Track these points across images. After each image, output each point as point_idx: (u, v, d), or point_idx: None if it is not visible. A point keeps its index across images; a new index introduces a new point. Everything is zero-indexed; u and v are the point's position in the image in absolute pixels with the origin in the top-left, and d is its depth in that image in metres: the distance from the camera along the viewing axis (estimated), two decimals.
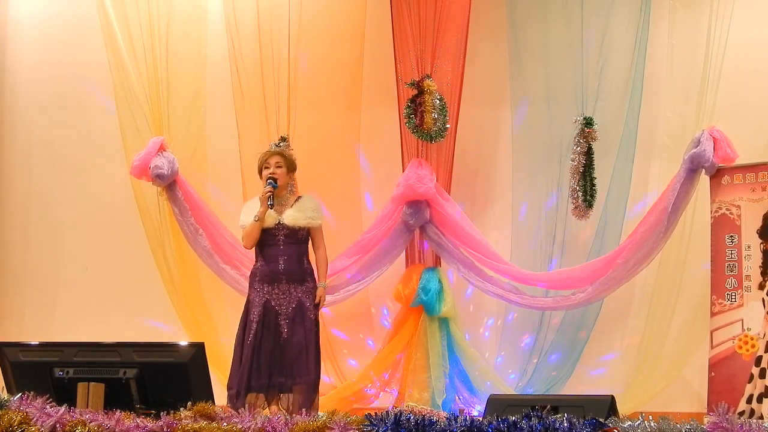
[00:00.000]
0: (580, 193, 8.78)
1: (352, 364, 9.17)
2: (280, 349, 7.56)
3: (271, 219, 7.67)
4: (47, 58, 9.75)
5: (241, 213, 7.91)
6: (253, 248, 7.80)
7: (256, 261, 7.79)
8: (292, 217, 7.69)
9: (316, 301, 7.67)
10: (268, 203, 7.60)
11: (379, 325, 9.27)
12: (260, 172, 7.88)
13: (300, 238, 7.70)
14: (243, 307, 7.80)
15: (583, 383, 8.82)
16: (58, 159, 9.68)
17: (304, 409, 6.62)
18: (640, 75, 8.93)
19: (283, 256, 7.64)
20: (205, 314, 9.21)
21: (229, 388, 7.58)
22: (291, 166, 7.87)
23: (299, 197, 7.85)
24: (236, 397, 7.44)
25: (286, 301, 7.61)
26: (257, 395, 7.53)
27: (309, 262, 7.79)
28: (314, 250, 7.85)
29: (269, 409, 7.41)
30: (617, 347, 9.04)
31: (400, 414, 4.69)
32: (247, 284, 8.86)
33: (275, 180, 7.71)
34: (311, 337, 7.62)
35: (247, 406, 7.16)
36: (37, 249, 9.65)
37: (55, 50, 9.74)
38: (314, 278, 7.76)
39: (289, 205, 7.78)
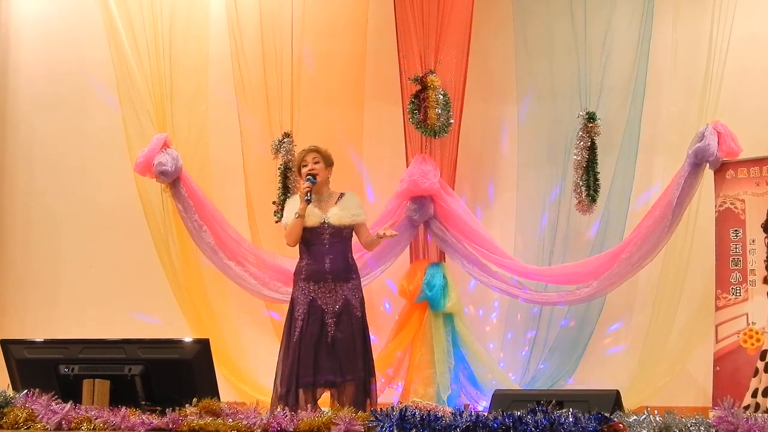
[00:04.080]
0: (584, 188, 8.77)
1: None
2: (327, 347, 7.47)
3: (316, 218, 7.56)
4: (50, 56, 9.77)
5: (284, 210, 7.84)
6: (296, 245, 7.71)
7: (301, 259, 7.66)
8: (337, 215, 7.59)
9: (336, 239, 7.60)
10: (306, 199, 7.51)
11: (382, 320, 9.26)
12: (299, 170, 7.76)
13: (345, 236, 7.61)
14: (288, 306, 7.70)
15: (588, 378, 8.81)
16: (61, 156, 9.69)
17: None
18: (644, 70, 8.92)
19: (329, 255, 7.54)
20: (209, 311, 9.22)
21: (277, 385, 7.51)
22: (328, 161, 7.73)
23: (342, 194, 7.72)
24: (286, 395, 7.38)
25: (332, 300, 7.52)
26: (302, 392, 7.47)
27: (353, 259, 7.71)
28: (361, 243, 7.78)
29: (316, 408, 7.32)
30: (621, 342, 9.04)
31: (406, 410, 4.70)
32: (251, 281, 8.91)
33: (314, 176, 7.61)
34: (358, 335, 7.53)
35: (297, 404, 7.22)
36: (40, 246, 9.67)
37: (57, 48, 9.75)
38: (358, 274, 7.70)
39: (333, 203, 7.66)
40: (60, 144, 9.70)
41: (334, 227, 7.57)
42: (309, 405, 7.18)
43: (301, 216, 7.53)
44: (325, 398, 7.58)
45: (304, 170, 7.66)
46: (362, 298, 7.66)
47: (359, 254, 8.59)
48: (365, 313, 7.67)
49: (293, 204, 7.65)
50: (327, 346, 7.47)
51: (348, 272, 7.61)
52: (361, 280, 8.01)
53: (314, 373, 7.42)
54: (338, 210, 7.62)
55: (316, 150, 7.73)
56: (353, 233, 7.70)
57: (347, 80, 9.29)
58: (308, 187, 7.56)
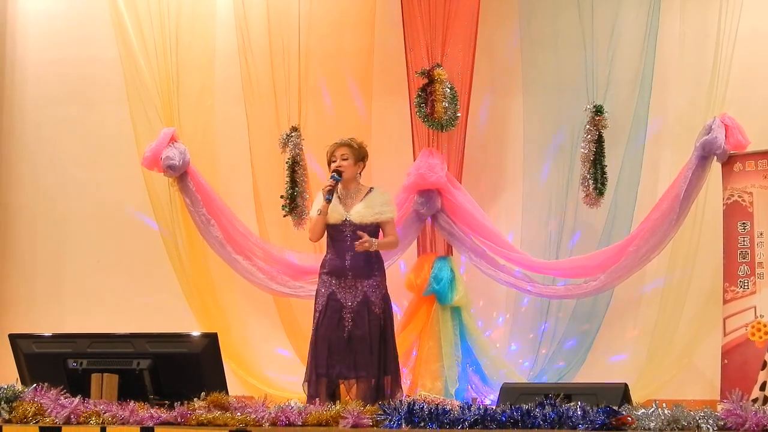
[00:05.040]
0: (591, 181, 8.76)
1: None
2: (344, 342, 7.45)
3: (338, 215, 7.52)
4: (57, 53, 9.77)
5: (313, 203, 7.82)
6: (319, 241, 7.72)
7: (327, 252, 7.66)
8: (359, 214, 7.54)
9: (361, 238, 7.45)
10: (326, 198, 7.47)
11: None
12: (329, 164, 7.71)
13: (368, 233, 7.51)
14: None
15: (596, 371, 8.78)
16: (68, 151, 9.70)
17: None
18: (651, 63, 8.89)
19: (350, 252, 7.49)
20: (217, 305, 9.23)
21: (306, 377, 7.53)
22: (359, 156, 7.67)
23: (370, 190, 7.67)
24: (309, 386, 7.42)
25: (351, 295, 7.49)
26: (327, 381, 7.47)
27: (379, 256, 7.66)
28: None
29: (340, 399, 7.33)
30: (629, 335, 9.03)
31: (414, 403, 4.70)
32: (259, 275, 8.93)
33: (339, 173, 7.57)
34: (375, 333, 7.48)
35: (320, 394, 7.24)
36: (47, 241, 9.68)
37: (64, 44, 9.76)
38: (381, 272, 7.64)
39: (359, 199, 7.61)
40: (68, 139, 9.70)
41: (356, 225, 7.53)
42: (326, 397, 7.23)
43: (322, 213, 7.51)
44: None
45: (332, 166, 7.63)
46: (385, 295, 7.61)
47: None
48: (388, 311, 7.63)
49: (319, 199, 7.63)
50: (343, 340, 7.46)
51: (370, 269, 7.57)
52: None
53: (327, 365, 7.42)
54: (362, 207, 7.57)
55: (347, 144, 7.67)
56: (380, 230, 7.65)
57: (355, 74, 9.28)
58: (331, 185, 7.53)
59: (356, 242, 7.43)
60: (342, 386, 7.56)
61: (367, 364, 7.43)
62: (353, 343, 7.44)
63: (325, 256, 7.68)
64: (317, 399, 6.52)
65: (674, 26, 8.93)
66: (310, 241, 7.98)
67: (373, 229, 7.61)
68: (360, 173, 7.75)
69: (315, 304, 7.63)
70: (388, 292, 7.66)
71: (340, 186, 7.62)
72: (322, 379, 7.43)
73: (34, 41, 9.82)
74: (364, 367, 7.43)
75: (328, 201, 7.48)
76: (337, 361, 7.42)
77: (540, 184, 9.24)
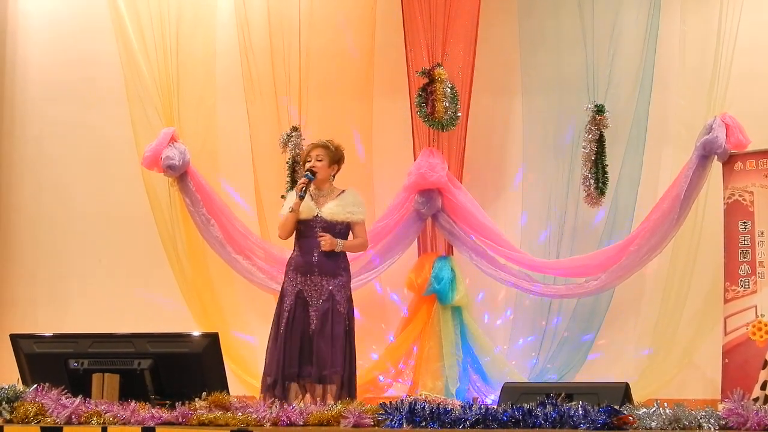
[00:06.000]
0: (592, 181, 8.76)
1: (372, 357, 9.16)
2: (309, 340, 7.49)
3: (309, 211, 7.57)
4: (57, 51, 9.75)
5: (284, 202, 7.86)
6: (288, 238, 7.73)
7: (294, 250, 7.70)
8: (330, 210, 7.59)
9: (320, 239, 7.51)
10: (299, 195, 7.53)
11: (392, 312, 9.26)
12: (304, 163, 7.80)
13: (337, 232, 7.58)
14: (278, 297, 7.75)
15: (597, 371, 8.80)
16: (68, 151, 9.68)
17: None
18: (651, 62, 8.90)
19: (318, 249, 7.54)
20: (216, 305, 9.22)
21: (265, 376, 7.55)
22: (334, 158, 7.71)
23: (343, 191, 7.72)
24: (273, 386, 7.43)
25: (317, 293, 7.53)
26: (291, 384, 7.50)
27: (345, 257, 7.69)
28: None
29: (303, 399, 7.36)
30: (630, 335, 9.02)
31: (415, 403, 4.69)
32: (259, 275, 8.93)
33: (313, 173, 7.62)
34: (340, 331, 7.51)
35: (286, 395, 7.30)
36: (48, 241, 9.66)
37: (64, 42, 9.73)
38: (347, 273, 7.68)
39: (332, 198, 7.67)
40: (67, 139, 9.68)
41: (326, 222, 7.58)
42: (299, 397, 7.27)
43: (294, 210, 7.55)
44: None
45: (307, 165, 7.68)
46: (349, 296, 7.65)
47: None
48: (352, 310, 7.66)
49: (291, 197, 7.68)
50: (308, 339, 7.50)
51: (336, 268, 7.61)
52: (369, 273, 8.01)
53: (299, 365, 7.45)
54: (334, 205, 7.62)
55: (323, 146, 7.73)
56: (350, 231, 7.68)
57: (355, 73, 9.28)
58: (303, 183, 7.59)
59: (321, 239, 7.48)
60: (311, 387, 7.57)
61: (334, 363, 7.45)
62: (316, 342, 7.47)
63: (292, 254, 7.71)
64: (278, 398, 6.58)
65: (675, 25, 8.94)
66: (279, 239, 7.96)
67: (344, 229, 7.65)
68: (334, 176, 7.78)
69: (281, 303, 7.62)
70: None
71: (313, 186, 7.66)
72: (291, 379, 7.46)
73: (34, 41, 9.81)
74: (327, 366, 7.45)
75: (301, 198, 7.53)
76: (306, 361, 7.46)
77: (540, 183, 9.24)
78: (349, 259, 7.79)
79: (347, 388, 7.47)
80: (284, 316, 7.56)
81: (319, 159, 7.68)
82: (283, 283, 7.69)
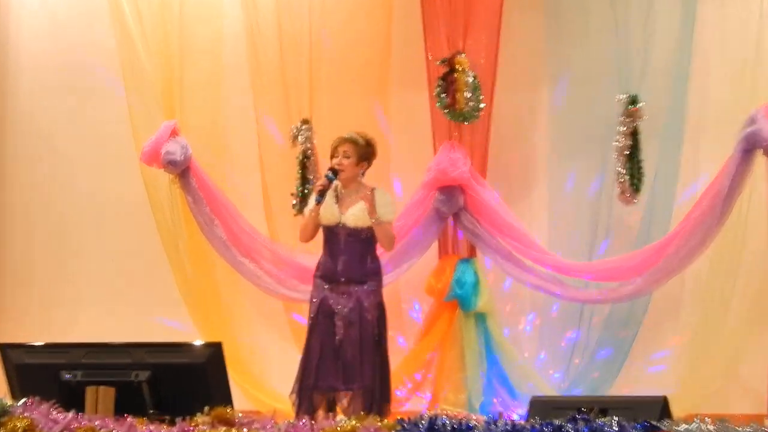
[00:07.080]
0: (627, 177, 8.73)
1: None
2: (334, 350, 7.45)
3: (333, 217, 7.48)
4: (52, 41, 9.76)
5: (309, 201, 7.80)
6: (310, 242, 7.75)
7: (322, 254, 7.66)
8: (353, 217, 7.48)
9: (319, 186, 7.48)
10: (316, 199, 7.46)
11: (409, 321, 9.23)
12: (331, 160, 7.63)
13: (363, 237, 7.51)
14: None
15: (633, 383, 8.79)
16: (63, 147, 9.70)
17: None
18: (688, 50, 8.86)
19: (343, 256, 7.49)
20: (221, 312, 9.22)
21: (294, 387, 7.54)
22: (364, 155, 7.57)
23: (372, 190, 7.57)
24: (298, 398, 7.44)
25: (343, 301, 7.48)
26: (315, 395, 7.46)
27: (374, 260, 7.65)
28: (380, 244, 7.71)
29: (329, 412, 7.33)
30: (669, 344, 9.00)
31: (435, 418, 4.68)
32: (266, 278, 8.94)
33: (336, 172, 7.49)
34: (368, 340, 7.45)
35: (311, 407, 7.32)
36: (41, 244, 9.69)
37: (59, 29, 9.74)
38: (377, 278, 7.62)
39: (358, 199, 7.52)
40: (63, 134, 9.71)
41: (350, 229, 7.51)
42: (322, 411, 7.23)
43: (314, 215, 7.50)
44: None
45: (333, 162, 7.57)
46: (379, 303, 7.59)
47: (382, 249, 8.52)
48: (383, 318, 7.61)
49: (313, 197, 7.63)
50: (335, 349, 7.45)
51: (364, 275, 7.56)
52: (386, 277, 7.95)
53: (317, 377, 7.42)
54: (359, 210, 7.51)
55: (351, 141, 7.57)
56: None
57: (370, 62, 9.26)
58: (322, 185, 7.49)
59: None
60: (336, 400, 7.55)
61: (362, 375, 7.40)
62: (342, 353, 7.43)
63: (320, 258, 7.68)
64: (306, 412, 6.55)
65: (714, 10, 8.92)
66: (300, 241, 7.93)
67: (371, 234, 7.56)
68: (363, 173, 7.66)
69: (309, 311, 7.62)
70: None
71: (339, 183, 7.55)
72: (312, 391, 7.43)
73: (28, 29, 9.81)
74: (357, 379, 7.41)
75: (318, 203, 7.45)
76: (328, 372, 7.42)
77: (570, 180, 9.24)
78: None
79: (377, 400, 7.40)
80: (309, 324, 7.57)
81: (347, 155, 7.54)
82: (312, 290, 7.66)
